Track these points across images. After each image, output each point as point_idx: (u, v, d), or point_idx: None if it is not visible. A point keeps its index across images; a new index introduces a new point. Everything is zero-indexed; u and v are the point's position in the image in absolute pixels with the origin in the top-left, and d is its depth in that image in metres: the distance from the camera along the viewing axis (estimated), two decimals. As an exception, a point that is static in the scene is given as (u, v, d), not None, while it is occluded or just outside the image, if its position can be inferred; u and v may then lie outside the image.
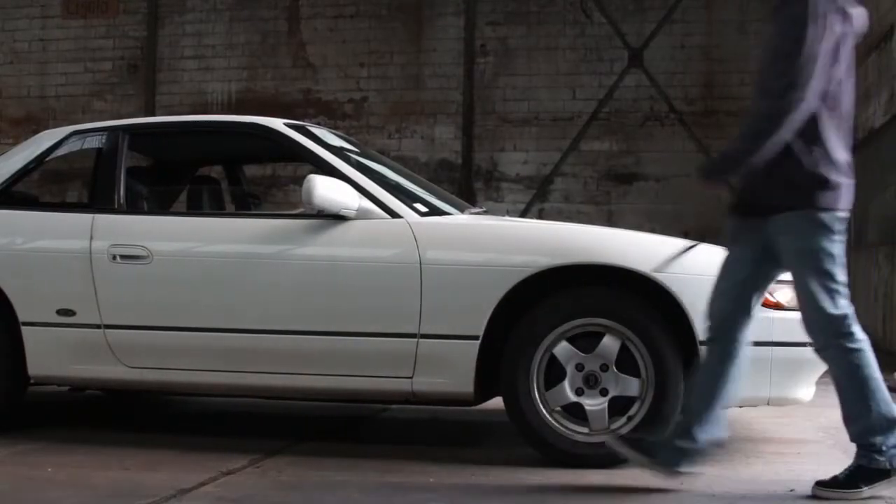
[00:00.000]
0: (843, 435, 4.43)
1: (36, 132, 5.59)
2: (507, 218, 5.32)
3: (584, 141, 12.54)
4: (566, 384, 3.73)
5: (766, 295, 3.62)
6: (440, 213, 4.24)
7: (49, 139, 4.65)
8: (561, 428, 3.73)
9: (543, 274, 3.76)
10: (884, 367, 6.78)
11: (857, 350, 3.21)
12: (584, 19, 12.63)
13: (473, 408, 4.11)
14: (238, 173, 5.40)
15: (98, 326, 4.18)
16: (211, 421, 5.06)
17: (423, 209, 4.12)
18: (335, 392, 4.14)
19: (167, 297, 4.15)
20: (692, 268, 3.70)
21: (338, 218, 3.97)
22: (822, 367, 3.77)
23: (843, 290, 3.21)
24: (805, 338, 3.64)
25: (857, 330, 3.21)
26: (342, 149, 4.48)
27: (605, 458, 3.66)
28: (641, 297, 3.72)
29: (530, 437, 3.77)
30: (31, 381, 4.37)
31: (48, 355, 4.26)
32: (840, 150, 3.23)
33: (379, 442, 4.44)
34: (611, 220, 11.74)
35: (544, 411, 3.74)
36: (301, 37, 13.26)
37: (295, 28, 13.28)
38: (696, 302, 3.60)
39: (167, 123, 5.37)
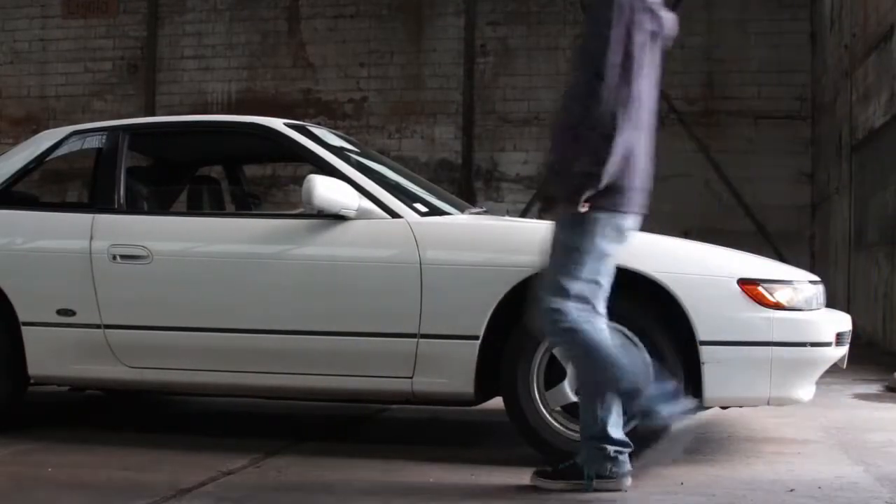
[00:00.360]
0: (844, 435, 4.45)
1: (36, 132, 5.59)
2: (507, 218, 5.31)
3: (584, 141, 12.52)
4: (566, 384, 3.72)
5: (766, 295, 3.63)
6: (440, 213, 4.24)
7: (49, 139, 4.65)
8: (561, 428, 3.73)
9: (543, 274, 3.75)
10: (884, 368, 6.78)
11: (575, 336, 3.21)
12: (584, 19, 12.62)
13: (473, 408, 4.11)
14: (238, 173, 5.40)
15: (98, 326, 4.18)
16: (211, 421, 5.06)
17: (423, 209, 4.12)
18: (335, 392, 4.14)
19: (167, 297, 4.15)
20: (692, 268, 3.70)
21: (338, 218, 3.97)
22: (822, 367, 3.78)
23: (575, 288, 3.18)
24: (805, 338, 3.66)
25: (575, 321, 3.18)
26: (342, 149, 4.48)
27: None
28: (641, 297, 3.71)
29: (530, 437, 3.77)
30: (31, 381, 4.37)
31: (48, 355, 4.26)
32: (634, 153, 3.23)
33: (379, 442, 4.44)
34: (611, 220, 11.73)
35: (544, 411, 3.74)
36: (301, 37, 13.27)
37: (295, 28, 13.29)
38: (697, 302, 3.61)
39: (167, 123, 5.37)
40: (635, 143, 3.22)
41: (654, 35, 3.24)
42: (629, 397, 3.24)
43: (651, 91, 3.27)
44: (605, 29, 3.12)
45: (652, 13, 3.23)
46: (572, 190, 3.16)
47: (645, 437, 3.27)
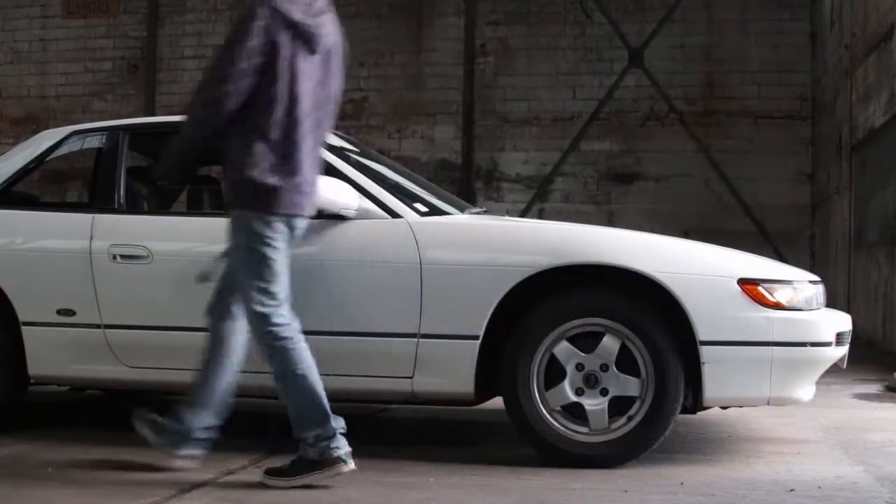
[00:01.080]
0: (844, 435, 4.46)
1: (36, 132, 5.58)
2: (507, 218, 5.31)
3: (585, 141, 12.54)
4: (566, 384, 3.73)
5: (766, 295, 3.63)
6: (440, 213, 4.24)
7: (49, 139, 4.65)
8: (561, 428, 3.73)
9: (544, 274, 3.76)
10: (884, 368, 6.79)
11: (284, 348, 3.43)
12: (584, 19, 12.64)
13: (473, 408, 4.11)
14: (238, 173, 5.38)
15: (98, 326, 4.18)
16: (211, 421, 5.05)
17: (423, 209, 4.12)
18: (335, 392, 4.12)
19: (167, 297, 4.15)
20: (692, 268, 3.70)
21: (338, 218, 3.97)
22: (823, 367, 3.78)
23: (274, 289, 3.45)
24: (805, 338, 3.66)
25: (285, 329, 3.45)
26: (342, 149, 4.47)
27: (605, 458, 3.67)
28: (642, 296, 3.72)
29: (530, 437, 3.77)
30: (31, 381, 4.37)
31: (48, 355, 4.26)
32: (292, 155, 3.40)
33: (379, 442, 4.43)
34: (611, 220, 11.76)
35: (544, 411, 3.74)
36: (301, 37, 13.24)
37: (295, 28, 13.26)
38: (697, 302, 3.61)
39: (167, 123, 5.33)
40: (292, 146, 3.41)
41: (306, 45, 3.41)
42: (310, 422, 3.49)
43: (314, 98, 3.46)
44: (239, 32, 3.35)
45: (293, 25, 3.38)
46: (160, 164, 3.55)
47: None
